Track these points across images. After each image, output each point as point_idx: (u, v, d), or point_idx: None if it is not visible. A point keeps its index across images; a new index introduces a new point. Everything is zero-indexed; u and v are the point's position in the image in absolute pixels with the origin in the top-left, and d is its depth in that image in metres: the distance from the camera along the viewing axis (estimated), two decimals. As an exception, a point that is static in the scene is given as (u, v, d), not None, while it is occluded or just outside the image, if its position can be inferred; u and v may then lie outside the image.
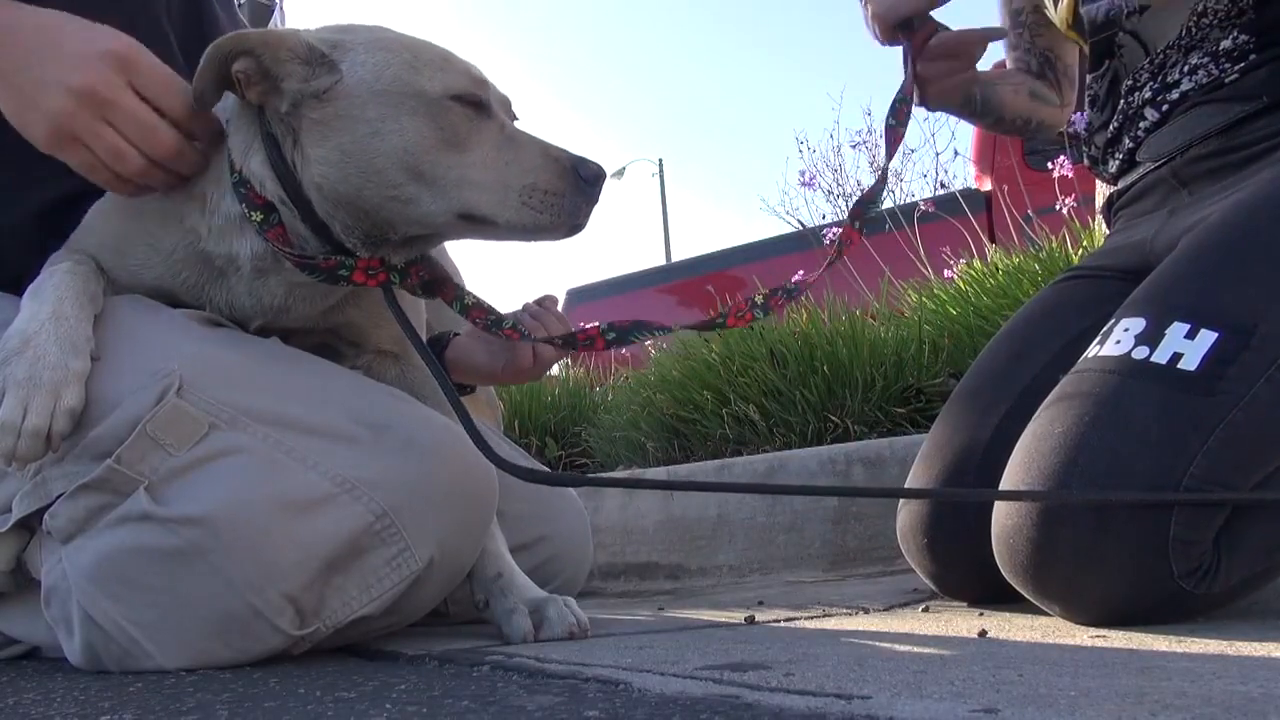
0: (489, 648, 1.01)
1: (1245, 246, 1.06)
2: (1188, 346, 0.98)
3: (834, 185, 6.97)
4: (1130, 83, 1.31)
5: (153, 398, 0.97)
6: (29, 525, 1.03)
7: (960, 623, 1.04)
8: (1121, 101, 1.33)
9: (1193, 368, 0.96)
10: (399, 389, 1.14)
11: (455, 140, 0.99)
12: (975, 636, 0.94)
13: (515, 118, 1.09)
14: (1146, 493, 0.92)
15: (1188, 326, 0.99)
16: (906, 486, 1.29)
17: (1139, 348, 1.00)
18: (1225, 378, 0.96)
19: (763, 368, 2.46)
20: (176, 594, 0.95)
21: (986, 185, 4.87)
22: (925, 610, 1.20)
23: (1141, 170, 1.32)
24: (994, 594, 1.15)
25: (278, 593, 0.95)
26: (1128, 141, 1.33)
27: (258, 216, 1.03)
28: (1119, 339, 1.02)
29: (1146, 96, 1.29)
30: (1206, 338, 0.98)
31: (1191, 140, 1.23)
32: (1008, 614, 1.11)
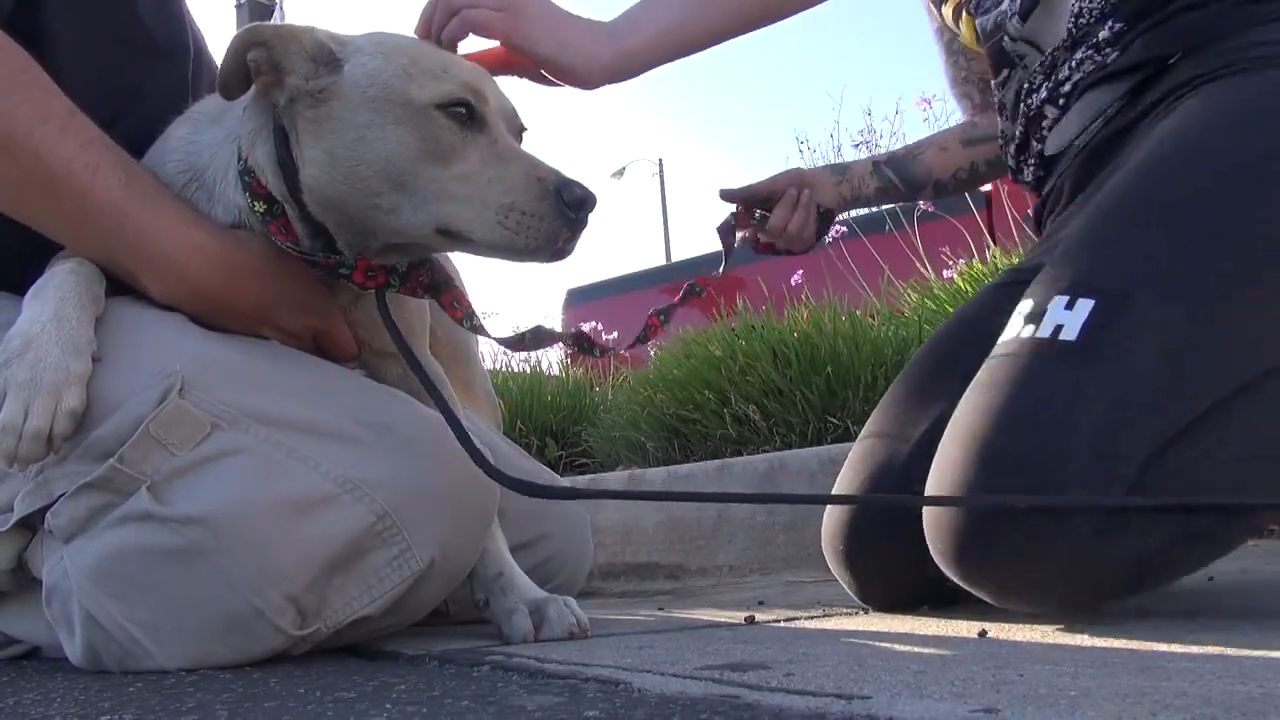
0: (489, 648, 1.01)
1: (1117, 214, 1.06)
2: (1067, 317, 0.97)
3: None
4: (1026, 86, 1.33)
5: (155, 398, 0.97)
6: (30, 524, 1.03)
7: (960, 623, 1.04)
8: (1022, 105, 1.34)
9: (1073, 337, 0.96)
10: (401, 390, 1.14)
11: (439, 152, 0.98)
12: (975, 636, 0.94)
13: (524, 128, 1.08)
14: (1081, 495, 0.91)
15: (1067, 298, 0.99)
16: (832, 494, 1.29)
17: (1026, 326, 1.00)
18: (1105, 343, 0.95)
19: (764, 367, 2.46)
20: (178, 594, 0.95)
21: (986, 185, 4.86)
22: (925, 610, 1.20)
23: (1057, 171, 1.32)
24: (909, 600, 1.17)
25: (279, 593, 0.95)
26: (1035, 144, 1.33)
27: (260, 207, 1.04)
28: (1013, 323, 1.03)
29: (1043, 96, 1.30)
30: (1084, 306, 0.97)
31: (1086, 124, 1.25)
32: (1008, 614, 1.11)
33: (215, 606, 0.95)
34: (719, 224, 1.56)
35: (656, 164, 19.73)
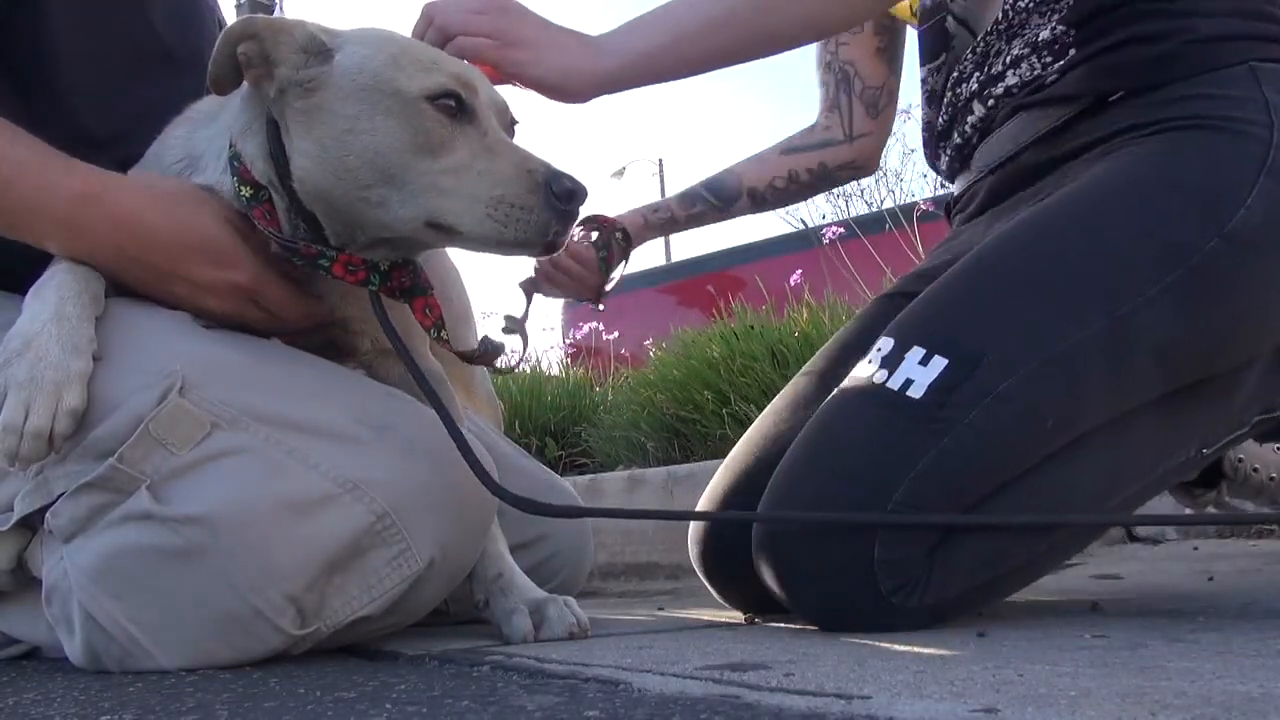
0: (489, 648, 1.01)
1: (993, 274, 1.07)
2: (919, 373, 1.00)
3: (833, 185, 6.94)
4: (957, 74, 1.28)
5: (155, 397, 0.97)
6: (30, 524, 1.03)
7: (960, 623, 1.04)
8: (949, 94, 1.30)
9: (919, 395, 0.99)
10: (402, 389, 1.14)
11: (429, 144, 0.97)
12: (975, 636, 0.93)
13: (515, 121, 1.08)
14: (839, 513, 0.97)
15: (923, 352, 1.01)
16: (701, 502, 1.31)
17: (879, 371, 1.03)
18: (946, 405, 0.98)
19: (763, 367, 2.46)
20: (178, 593, 0.95)
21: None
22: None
23: (973, 176, 1.30)
24: (764, 606, 1.18)
25: (279, 593, 0.95)
26: (956, 137, 1.30)
27: (247, 192, 1.04)
28: (871, 358, 1.05)
29: (973, 89, 1.26)
30: (937, 365, 1.00)
31: (1016, 149, 1.22)
32: (1008, 614, 1.11)
33: (215, 606, 0.95)
34: (521, 280, 1.53)
35: (656, 164, 19.72)
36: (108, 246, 1.04)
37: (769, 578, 1.04)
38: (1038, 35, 1.18)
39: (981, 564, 0.99)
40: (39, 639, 1.11)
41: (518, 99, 1.16)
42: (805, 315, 2.65)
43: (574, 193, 0.97)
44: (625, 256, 1.48)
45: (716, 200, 1.45)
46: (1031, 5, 1.19)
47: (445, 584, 1.07)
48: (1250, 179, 1.01)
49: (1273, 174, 1.02)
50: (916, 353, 1.01)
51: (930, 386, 0.98)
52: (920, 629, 0.99)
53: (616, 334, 4.55)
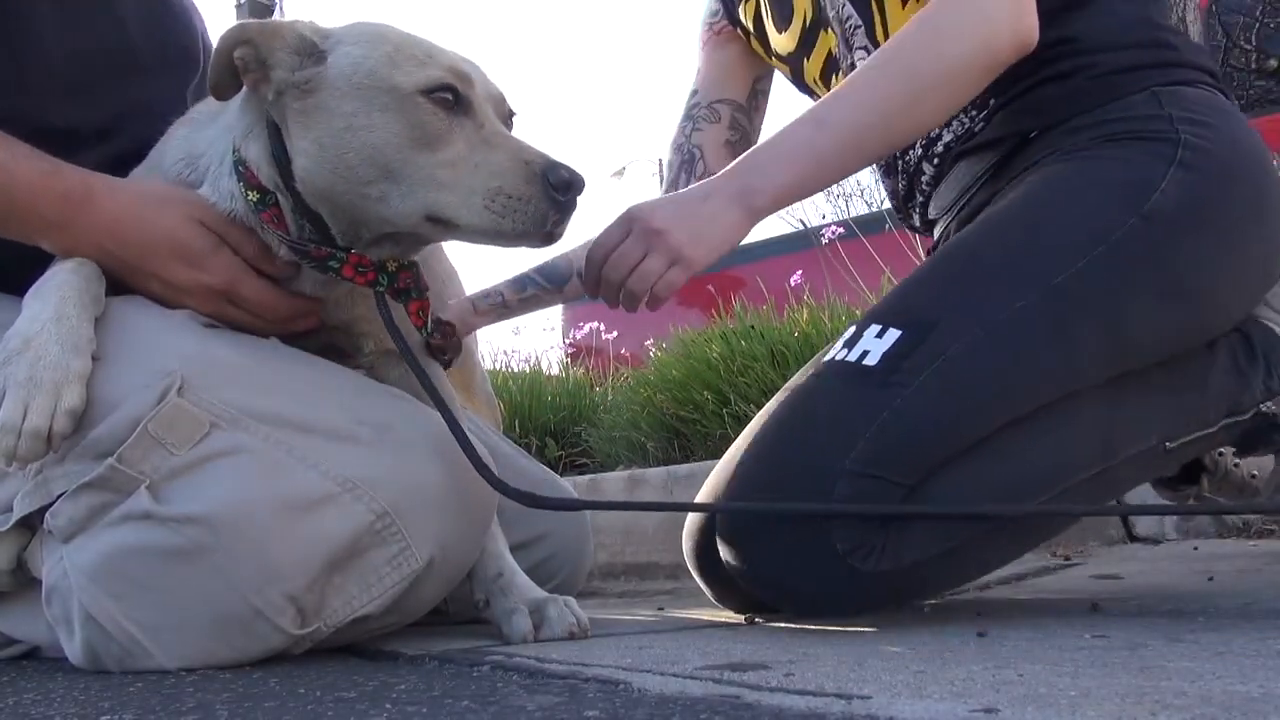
0: (489, 648, 1.01)
1: (944, 266, 1.16)
2: (875, 345, 1.06)
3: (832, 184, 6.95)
4: None
5: (154, 397, 0.97)
6: (30, 524, 1.03)
7: (960, 623, 1.04)
8: (900, 162, 1.39)
9: (874, 363, 1.04)
10: (401, 389, 1.14)
11: (426, 139, 0.98)
12: (975, 636, 0.94)
13: (512, 113, 1.08)
14: (803, 500, 1.01)
15: (879, 327, 1.08)
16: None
17: (841, 350, 1.09)
18: (899, 370, 1.03)
19: (763, 367, 2.46)
20: (178, 593, 0.95)
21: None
22: (925, 610, 1.20)
23: (940, 225, 1.40)
24: (757, 605, 1.20)
25: (279, 592, 0.95)
26: (919, 195, 1.40)
27: (254, 197, 1.04)
28: (832, 345, 1.11)
29: (919, 153, 1.36)
30: (891, 335, 1.06)
31: (962, 193, 1.32)
32: (1008, 614, 1.11)
33: (215, 606, 0.95)
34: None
35: (657, 164, 19.72)
36: (91, 246, 1.06)
37: (727, 552, 1.08)
38: None
39: (936, 533, 1.03)
40: (39, 639, 1.11)
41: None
42: (805, 315, 2.65)
43: (571, 183, 0.98)
44: (456, 351, 1.48)
45: (547, 283, 1.48)
46: None
47: (445, 583, 1.07)
48: (1163, 171, 1.12)
49: (1184, 166, 1.12)
50: (874, 329, 1.08)
51: (885, 354, 1.05)
52: (878, 608, 1.02)
53: (616, 334, 4.54)
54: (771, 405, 1.15)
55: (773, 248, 5.62)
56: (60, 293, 1.00)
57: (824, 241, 3.54)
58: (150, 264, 1.08)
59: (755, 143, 1.58)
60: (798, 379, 1.14)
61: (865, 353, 1.06)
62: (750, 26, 1.53)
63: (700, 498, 1.28)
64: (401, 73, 0.98)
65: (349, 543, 0.97)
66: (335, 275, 1.06)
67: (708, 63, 1.59)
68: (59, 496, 0.99)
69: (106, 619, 0.96)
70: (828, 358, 1.10)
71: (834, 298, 2.78)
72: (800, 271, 3.46)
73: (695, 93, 1.58)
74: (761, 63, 1.57)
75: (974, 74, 1.14)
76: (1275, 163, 1.22)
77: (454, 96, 0.99)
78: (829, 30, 1.39)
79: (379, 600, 1.00)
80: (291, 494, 0.96)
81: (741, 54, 1.57)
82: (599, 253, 1.15)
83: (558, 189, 0.97)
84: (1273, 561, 1.49)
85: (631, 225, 1.14)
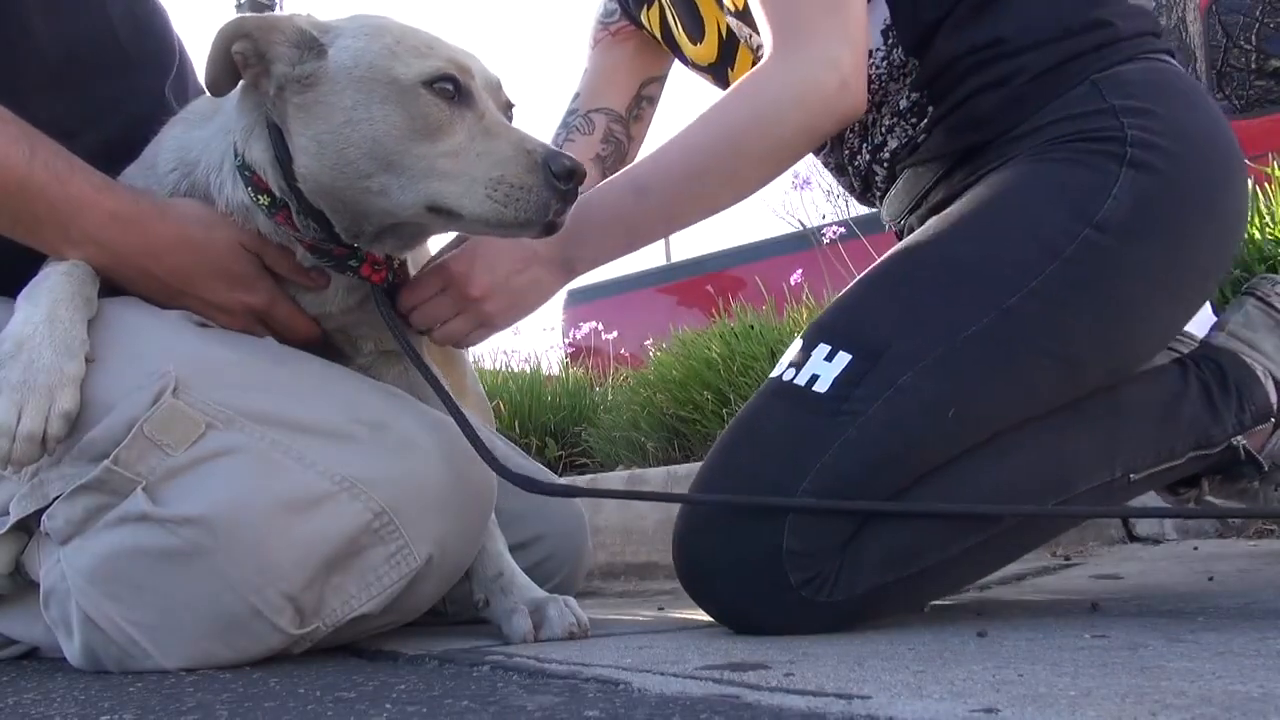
0: (489, 648, 1.01)
1: (892, 278, 1.13)
2: (825, 369, 1.05)
3: (832, 185, 6.95)
4: (848, 151, 1.36)
5: (149, 398, 0.97)
6: (27, 527, 1.03)
7: (960, 623, 1.04)
8: (850, 168, 1.38)
9: (824, 389, 1.03)
10: (399, 388, 1.14)
11: (427, 129, 0.98)
12: (975, 636, 0.93)
13: (511, 104, 1.08)
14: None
15: (829, 349, 1.06)
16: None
17: (788, 369, 1.07)
18: (850, 398, 1.02)
19: (763, 367, 2.46)
20: (176, 594, 0.95)
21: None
22: (925, 610, 1.20)
23: (902, 222, 1.38)
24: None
25: (277, 592, 0.95)
26: (876, 191, 1.39)
27: (265, 200, 1.04)
28: (783, 360, 1.10)
29: (867, 159, 1.34)
30: (841, 360, 1.05)
31: (912, 198, 1.30)
32: (1008, 614, 1.11)
33: (213, 606, 0.94)
34: None
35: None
36: (133, 268, 1.08)
37: (682, 573, 1.08)
38: (899, 103, 1.26)
39: (890, 561, 1.01)
40: (39, 640, 1.11)
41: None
42: (805, 315, 2.65)
43: (573, 171, 0.98)
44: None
45: None
46: (885, 74, 1.25)
47: (443, 581, 1.07)
48: (1114, 173, 1.09)
49: (1134, 164, 1.09)
50: (822, 349, 1.06)
51: (835, 380, 1.03)
52: (827, 631, 1.01)
53: (616, 334, 4.55)
54: (724, 433, 1.12)
55: (773, 248, 5.62)
56: (53, 295, 1.00)
57: (824, 241, 3.54)
58: (194, 287, 1.09)
59: (633, 156, 1.58)
60: (751, 401, 1.11)
61: (815, 377, 1.04)
62: (657, 34, 1.50)
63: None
64: (402, 64, 0.98)
65: (347, 542, 0.97)
66: (354, 274, 1.08)
67: (593, 66, 1.58)
68: (55, 499, 0.99)
69: (105, 621, 0.95)
70: (777, 375, 1.08)
71: (834, 298, 2.78)
72: (800, 271, 3.46)
73: (576, 97, 1.59)
74: (655, 65, 1.56)
75: (798, 150, 1.18)
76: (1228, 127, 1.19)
77: (455, 87, 0.99)
78: (746, 45, 1.38)
79: (378, 599, 1.00)
80: (289, 494, 0.96)
81: (634, 54, 1.55)
82: (409, 300, 1.15)
83: (559, 178, 0.97)
84: (1273, 561, 1.49)
85: (447, 285, 1.14)
